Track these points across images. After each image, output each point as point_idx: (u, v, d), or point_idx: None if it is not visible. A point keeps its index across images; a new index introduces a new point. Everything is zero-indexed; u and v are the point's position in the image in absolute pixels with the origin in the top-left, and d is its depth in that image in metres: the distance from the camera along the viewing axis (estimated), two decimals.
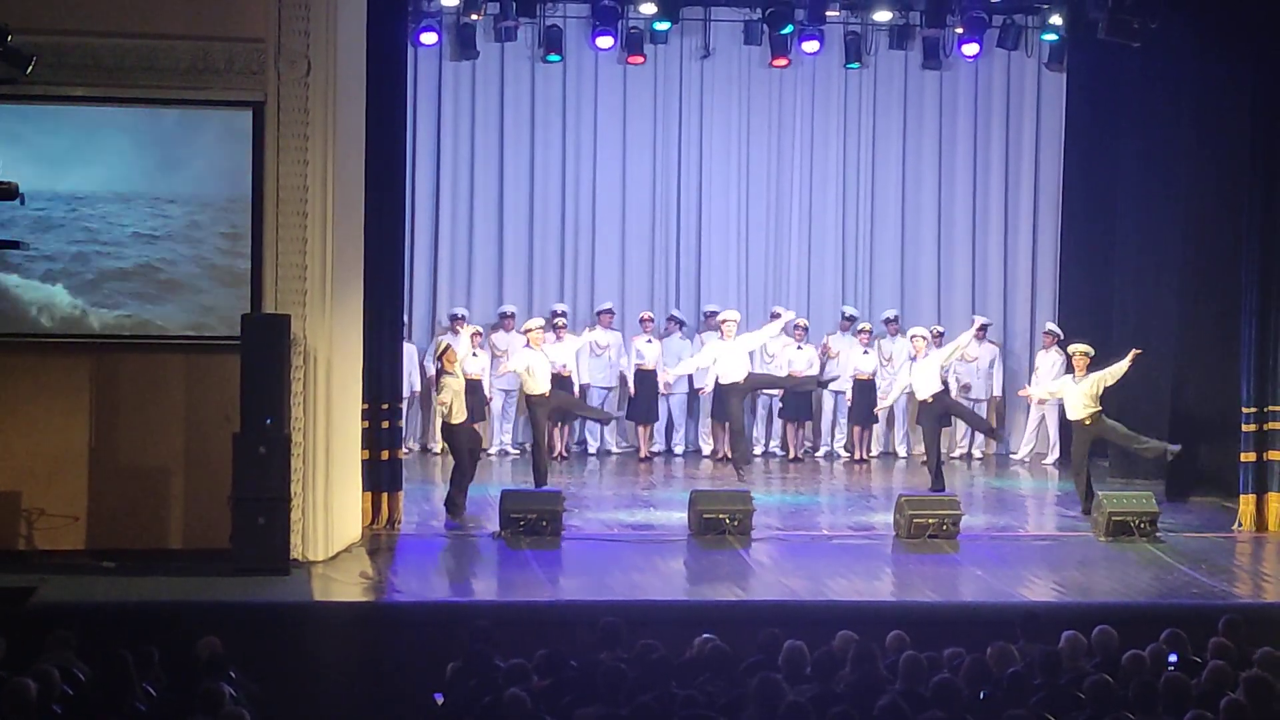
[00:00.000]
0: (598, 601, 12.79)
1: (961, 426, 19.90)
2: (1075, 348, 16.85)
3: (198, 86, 13.95)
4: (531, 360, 16.92)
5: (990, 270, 20.92)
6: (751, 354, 18.77)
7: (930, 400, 17.53)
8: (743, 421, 18.40)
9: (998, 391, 20.32)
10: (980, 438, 20.20)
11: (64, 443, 14.05)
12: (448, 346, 16.54)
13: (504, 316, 19.57)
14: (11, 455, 14.03)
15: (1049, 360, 19.64)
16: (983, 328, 19.65)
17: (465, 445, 16.19)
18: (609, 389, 19.83)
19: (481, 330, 18.93)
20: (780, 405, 19.95)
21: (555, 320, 19.23)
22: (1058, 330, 19.80)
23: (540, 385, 16.84)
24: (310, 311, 13.98)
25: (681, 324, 19.96)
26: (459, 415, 16.10)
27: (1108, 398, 16.70)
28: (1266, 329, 16.25)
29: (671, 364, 19.26)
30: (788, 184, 20.64)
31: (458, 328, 18.78)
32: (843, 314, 20.18)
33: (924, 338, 17.93)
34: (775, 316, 19.04)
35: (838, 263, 20.74)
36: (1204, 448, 17.45)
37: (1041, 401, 18.73)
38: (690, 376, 19.59)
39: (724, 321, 18.36)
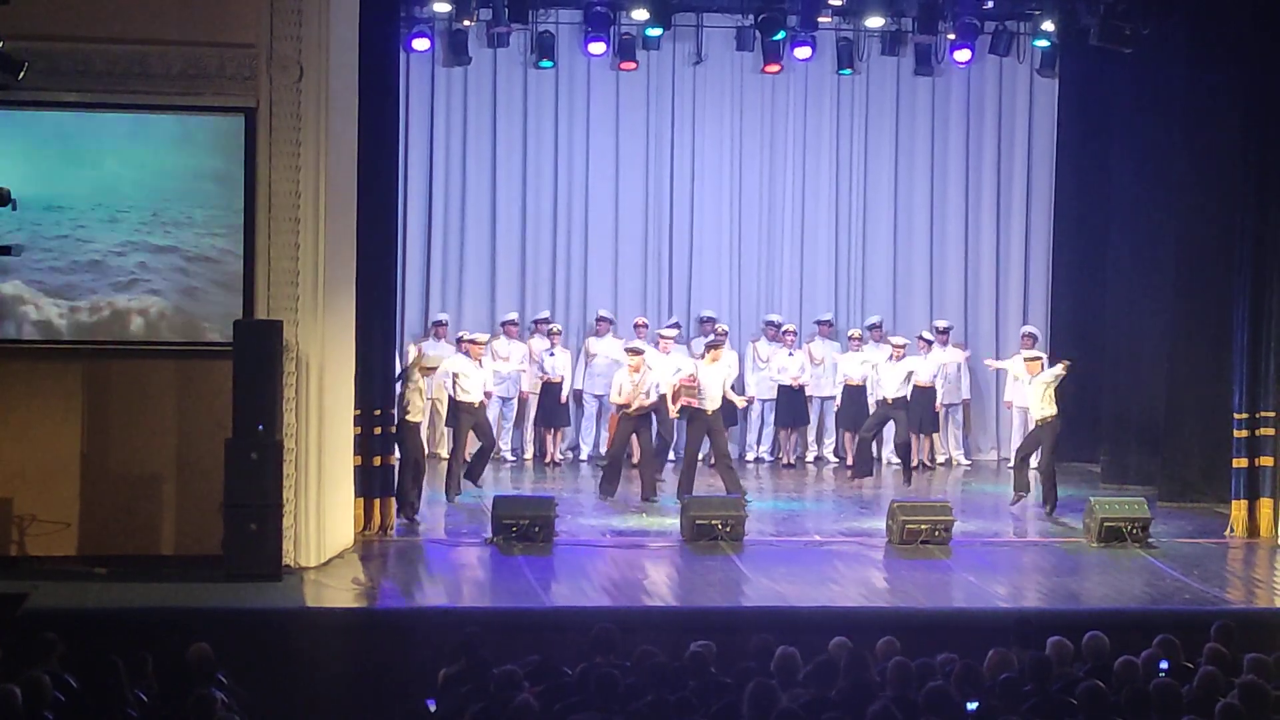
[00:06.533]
0: (590, 607, 12.81)
1: (949, 433, 20.27)
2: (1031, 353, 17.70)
3: (190, 92, 13.95)
4: (462, 367, 17.16)
5: (982, 277, 20.89)
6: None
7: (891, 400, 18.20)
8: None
9: (967, 394, 20.33)
10: (967, 443, 20.31)
11: (56, 449, 14.04)
12: (419, 357, 16.65)
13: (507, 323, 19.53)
14: (3, 461, 14.01)
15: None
16: (944, 331, 19.70)
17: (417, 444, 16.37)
18: (602, 395, 19.79)
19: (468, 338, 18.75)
20: (774, 411, 19.94)
21: (550, 327, 19.29)
22: (1035, 332, 19.85)
23: (473, 395, 17.11)
24: (302, 317, 13.97)
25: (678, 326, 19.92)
26: (417, 415, 16.27)
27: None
28: (1258, 335, 16.27)
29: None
30: (780, 190, 20.61)
31: (440, 332, 18.85)
32: (826, 321, 20.14)
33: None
34: (770, 324, 19.59)
35: (830, 268, 20.71)
36: (1196, 453, 17.47)
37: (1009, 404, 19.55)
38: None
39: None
